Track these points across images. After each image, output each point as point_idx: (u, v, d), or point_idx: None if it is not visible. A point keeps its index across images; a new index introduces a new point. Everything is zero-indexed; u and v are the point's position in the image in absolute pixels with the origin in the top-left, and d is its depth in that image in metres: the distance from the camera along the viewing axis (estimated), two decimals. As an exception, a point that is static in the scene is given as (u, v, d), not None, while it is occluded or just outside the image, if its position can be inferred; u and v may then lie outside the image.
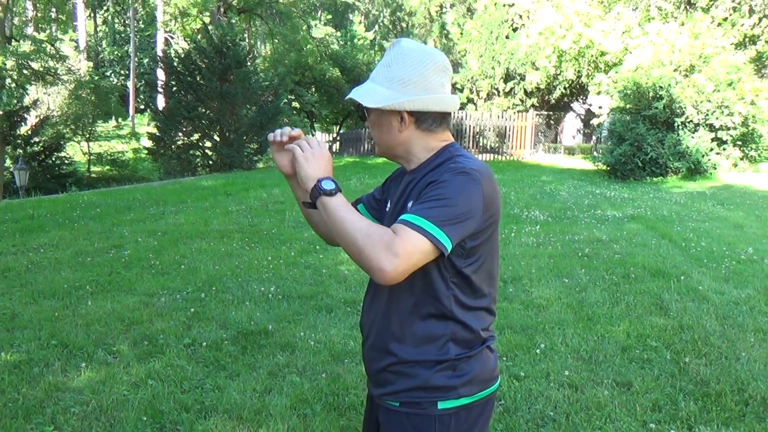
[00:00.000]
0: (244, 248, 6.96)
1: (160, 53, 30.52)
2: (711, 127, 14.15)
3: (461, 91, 23.81)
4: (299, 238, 7.47)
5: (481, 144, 22.60)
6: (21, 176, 16.92)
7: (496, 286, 1.63)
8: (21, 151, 20.55)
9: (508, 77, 22.67)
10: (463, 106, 23.25)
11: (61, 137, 23.67)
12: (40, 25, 29.58)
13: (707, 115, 14.04)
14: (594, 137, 21.67)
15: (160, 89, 20.60)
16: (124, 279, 5.69)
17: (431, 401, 1.54)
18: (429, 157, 1.60)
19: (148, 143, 20.04)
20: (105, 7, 45.79)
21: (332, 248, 6.49)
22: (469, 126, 22.04)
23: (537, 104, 22.96)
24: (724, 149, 14.43)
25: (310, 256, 6.63)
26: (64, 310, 4.82)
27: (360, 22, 42.05)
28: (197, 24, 27.59)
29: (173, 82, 18.86)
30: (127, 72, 42.47)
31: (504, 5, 22.47)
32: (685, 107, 14.06)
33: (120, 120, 36.49)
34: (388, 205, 1.71)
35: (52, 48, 23.69)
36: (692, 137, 14.05)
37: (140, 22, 42.86)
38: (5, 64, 20.90)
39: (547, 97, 22.69)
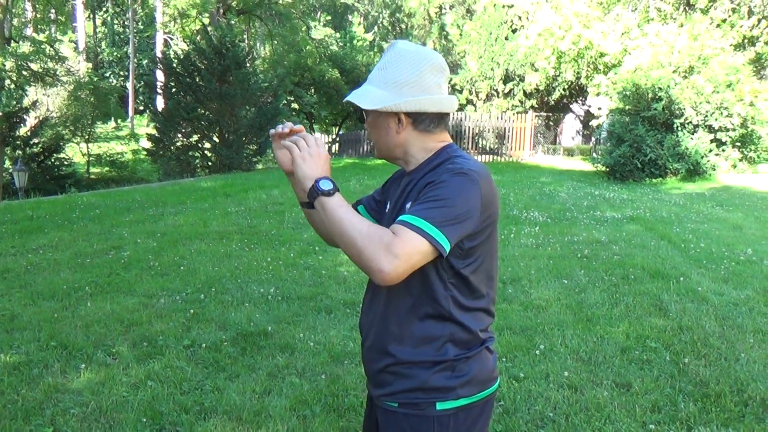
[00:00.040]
0: (243, 249, 6.96)
1: (159, 54, 30.58)
2: (710, 129, 14.16)
3: (460, 92, 23.83)
4: (298, 239, 7.47)
5: (480, 145, 22.63)
6: (20, 177, 16.91)
7: (495, 287, 1.64)
8: (20, 152, 20.54)
9: (507, 78, 22.70)
10: (462, 108, 23.28)
11: (61, 138, 23.67)
12: (39, 26, 29.57)
13: (706, 116, 14.06)
14: (593, 138, 21.71)
15: (159, 90, 20.61)
16: (123, 280, 5.69)
17: (430, 402, 1.54)
18: (427, 158, 1.60)
19: (148, 144, 20.04)
20: (104, 8, 45.80)
21: (332, 249, 6.49)
22: (469, 127, 22.06)
23: (536, 105, 22.99)
24: (724, 150, 14.45)
25: (309, 257, 6.63)
26: (63, 312, 4.81)
27: (359, 24, 42.09)
28: (196, 25, 27.59)
29: (172, 83, 18.86)
30: (126, 73, 42.47)
31: (503, 6, 22.50)
32: (684, 108, 14.07)
33: (119, 121, 36.50)
34: (388, 206, 1.71)
35: (52, 49, 23.69)
36: (691, 138, 14.06)
37: (139, 24, 42.89)
38: (4, 65, 20.89)
39: (546, 98, 22.71)
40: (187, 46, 20.44)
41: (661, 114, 14.27)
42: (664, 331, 4.45)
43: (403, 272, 1.39)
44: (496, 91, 23.21)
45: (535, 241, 7.41)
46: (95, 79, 30.54)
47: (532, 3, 20.80)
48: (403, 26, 42.64)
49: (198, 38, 21.03)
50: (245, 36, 31.15)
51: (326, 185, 1.46)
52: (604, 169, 14.90)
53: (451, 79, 23.77)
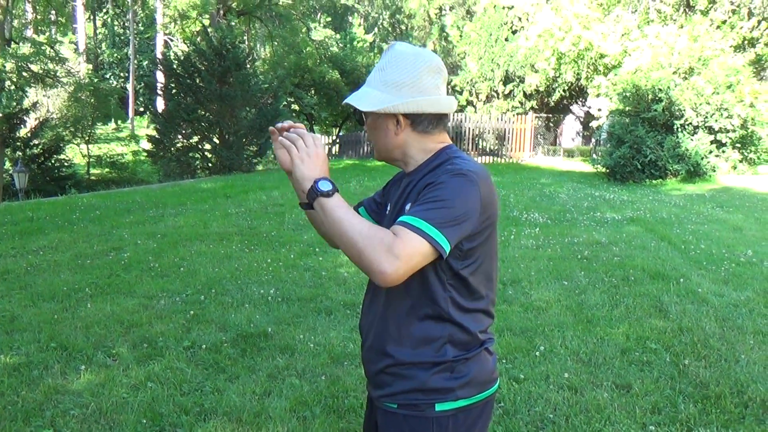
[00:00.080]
0: (243, 251, 6.96)
1: (159, 56, 30.58)
2: (710, 130, 14.17)
3: (460, 93, 23.85)
4: (299, 240, 7.47)
5: (480, 146, 22.64)
6: (20, 178, 16.91)
7: (495, 289, 1.64)
8: (20, 153, 20.54)
9: (507, 79, 22.71)
10: (462, 109, 23.30)
11: (61, 140, 23.67)
12: (39, 28, 29.62)
13: (706, 117, 14.07)
14: (593, 140, 21.73)
15: (159, 92, 20.62)
16: (123, 281, 5.69)
17: (429, 403, 1.54)
18: (426, 159, 1.61)
19: (148, 145, 20.05)
20: (104, 10, 45.82)
21: (332, 251, 6.49)
22: (469, 128, 22.07)
23: (536, 106, 23.00)
24: (724, 152, 14.46)
25: (309, 258, 6.63)
26: (63, 313, 4.81)
27: (359, 25, 42.10)
28: (197, 26, 27.61)
29: (173, 85, 18.87)
30: (126, 74, 42.47)
31: (503, 8, 22.52)
32: (684, 110, 14.08)
33: (119, 122, 36.52)
34: (388, 207, 1.71)
35: (52, 50, 23.71)
36: (691, 140, 14.07)
37: (140, 25, 42.89)
38: (5, 67, 20.89)
39: (546, 99, 22.73)
40: (188, 47, 20.45)
41: (661, 115, 14.28)
42: (664, 333, 4.45)
43: (404, 273, 1.39)
44: (496, 92, 23.23)
45: (535, 243, 7.41)
46: (95, 80, 30.51)
47: (532, 4, 20.84)
48: (404, 27, 42.69)
49: (198, 39, 21.03)
50: (245, 37, 31.15)
51: (325, 186, 1.45)
52: (604, 170, 14.91)
53: (451, 81, 23.80)
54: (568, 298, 5.32)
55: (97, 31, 45.69)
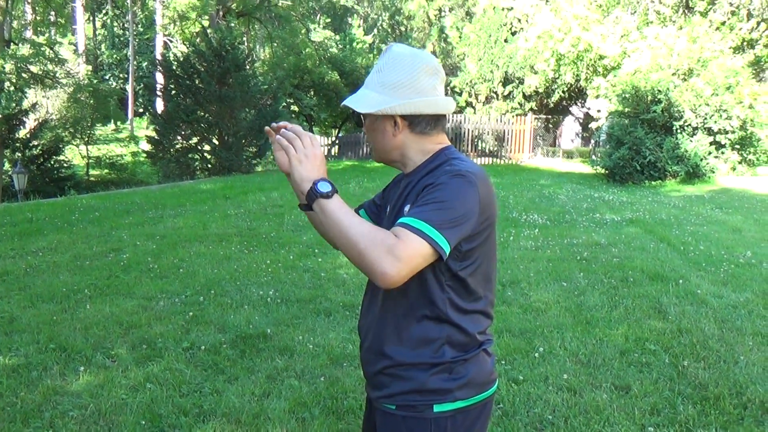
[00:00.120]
0: (242, 252, 6.96)
1: (159, 57, 30.57)
2: (709, 131, 14.19)
3: (460, 94, 23.86)
4: (298, 241, 7.47)
5: (479, 147, 22.66)
6: (19, 180, 16.90)
7: (494, 290, 1.64)
8: (20, 154, 20.52)
9: (506, 81, 22.72)
10: (461, 110, 23.31)
11: (60, 141, 23.64)
12: (39, 29, 29.64)
13: (706, 118, 14.08)
14: (592, 141, 21.75)
15: (159, 93, 20.62)
16: (122, 283, 5.68)
17: (427, 404, 1.54)
18: (425, 160, 1.61)
19: (147, 147, 20.04)
20: (104, 11, 45.81)
21: (331, 252, 6.49)
22: (468, 129, 22.09)
23: (535, 108, 23.01)
24: (723, 153, 14.47)
25: (308, 259, 6.63)
26: (62, 314, 4.81)
27: (359, 26, 42.15)
28: (196, 27, 27.61)
29: (172, 86, 18.87)
30: (126, 75, 42.47)
31: (503, 9, 22.54)
32: (683, 111, 14.10)
33: (119, 123, 36.47)
34: (387, 209, 1.72)
35: (51, 51, 23.72)
36: (691, 141, 14.09)
37: (139, 26, 42.91)
38: (4, 68, 20.91)
39: (545, 100, 22.74)
40: (187, 48, 20.44)
41: (661, 116, 14.30)
42: (663, 334, 4.45)
43: (406, 275, 1.39)
44: (495, 93, 23.24)
45: (534, 244, 7.41)
46: (95, 81, 30.49)
47: (532, 5, 20.85)
48: (403, 29, 42.70)
49: (198, 41, 21.04)
50: (245, 38, 31.15)
51: (325, 187, 1.45)
52: (603, 171, 14.92)
53: (450, 82, 23.82)
54: (567, 299, 5.32)
55: (97, 32, 45.69)
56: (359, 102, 1.58)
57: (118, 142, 31.35)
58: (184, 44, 25.40)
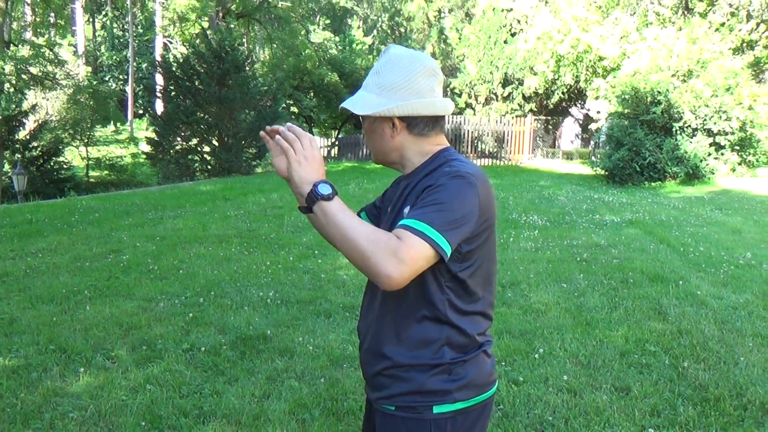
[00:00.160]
0: (242, 253, 6.96)
1: (158, 58, 30.59)
2: (709, 132, 14.20)
3: (459, 96, 23.87)
4: (298, 242, 7.47)
5: (479, 149, 22.66)
6: (19, 181, 16.90)
7: (494, 291, 1.64)
8: (19, 155, 20.53)
9: (506, 82, 22.74)
10: (461, 111, 23.32)
11: (60, 142, 23.64)
12: (38, 30, 29.65)
13: (705, 120, 14.09)
14: (592, 142, 21.77)
15: (158, 94, 20.65)
16: (122, 284, 5.68)
17: (426, 405, 1.53)
18: (424, 162, 1.61)
19: (147, 148, 20.06)
20: (104, 12, 45.82)
21: (331, 253, 6.49)
22: (468, 131, 22.09)
23: (535, 109, 23.03)
24: (722, 154, 14.48)
25: (308, 260, 6.63)
26: (62, 315, 4.81)
27: (358, 27, 42.18)
28: (196, 29, 27.61)
29: (172, 87, 18.89)
30: (125, 77, 42.47)
31: (502, 10, 22.56)
32: (683, 112, 14.10)
33: (118, 125, 36.48)
34: (387, 210, 1.72)
35: (51, 53, 23.73)
36: (690, 142, 14.09)
37: (139, 27, 42.91)
38: (4, 69, 20.91)
39: (545, 101, 22.76)
40: (187, 49, 20.48)
41: (660, 118, 14.30)
42: (664, 335, 4.45)
43: (409, 277, 1.39)
44: (495, 94, 23.25)
45: (534, 245, 7.41)
46: (94, 82, 30.52)
47: (531, 7, 20.87)
48: (402, 30, 42.71)
49: (197, 42, 21.07)
50: (244, 39, 31.17)
51: (325, 189, 1.44)
52: (603, 172, 14.93)
53: (450, 83, 23.83)
54: (567, 300, 5.32)
55: (96, 34, 45.72)
56: (357, 104, 1.58)
57: (117, 143, 31.36)
58: (184, 45, 25.43)
